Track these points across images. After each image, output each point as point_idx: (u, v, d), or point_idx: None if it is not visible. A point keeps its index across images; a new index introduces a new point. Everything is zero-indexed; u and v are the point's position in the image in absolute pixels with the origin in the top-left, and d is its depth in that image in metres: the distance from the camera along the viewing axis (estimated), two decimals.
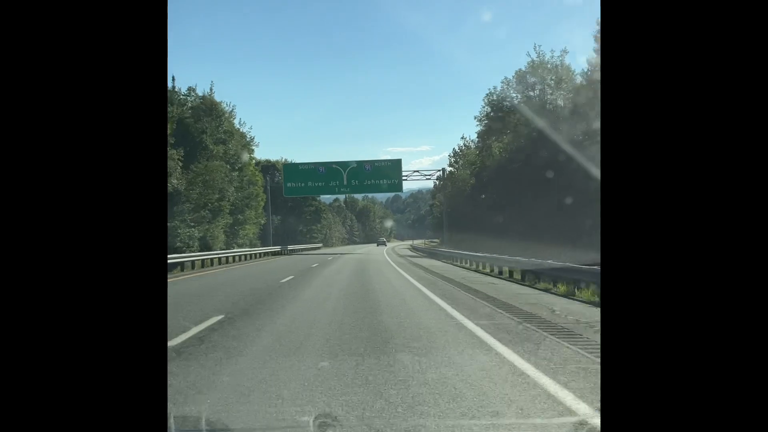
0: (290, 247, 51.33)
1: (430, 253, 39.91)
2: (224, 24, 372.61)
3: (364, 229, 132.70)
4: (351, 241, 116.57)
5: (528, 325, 7.71)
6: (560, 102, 35.64)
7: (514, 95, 39.75)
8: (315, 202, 71.24)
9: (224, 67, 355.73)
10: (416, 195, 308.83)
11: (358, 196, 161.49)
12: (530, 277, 14.56)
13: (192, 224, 29.42)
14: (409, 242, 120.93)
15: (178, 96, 33.57)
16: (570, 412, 3.79)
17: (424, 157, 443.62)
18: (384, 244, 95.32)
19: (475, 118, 44.93)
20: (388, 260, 31.35)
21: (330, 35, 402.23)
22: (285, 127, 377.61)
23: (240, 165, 39.81)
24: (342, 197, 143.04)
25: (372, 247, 69.30)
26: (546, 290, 12.60)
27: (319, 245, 68.53)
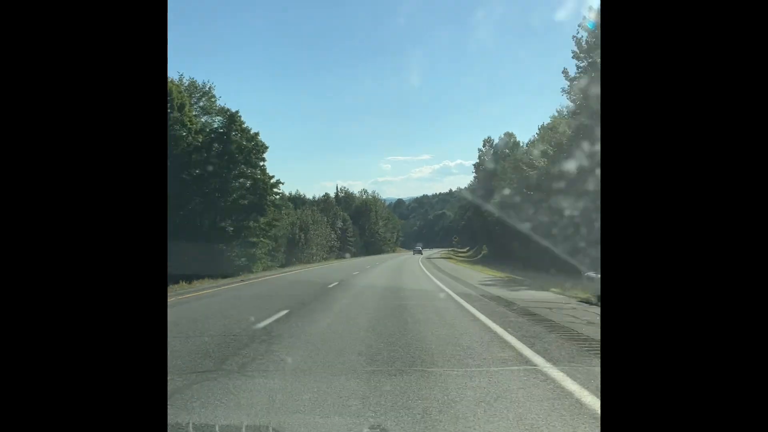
0: None
1: None
2: (209, 22, 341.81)
3: (362, 234, 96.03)
4: (343, 251, 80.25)
5: None
6: None
7: None
8: (250, 170, 33.71)
9: (216, 71, 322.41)
10: (421, 200, 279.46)
11: (355, 189, 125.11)
12: None
13: None
14: (434, 250, 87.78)
15: None
16: None
17: (425, 165, 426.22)
18: (420, 252, 77.22)
19: None
20: None
21: (326, 45, 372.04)
22: (277, 138, 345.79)
23: None
24: (332, 189, 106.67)
25: (377, 274, 26.69)
26: None
27: None
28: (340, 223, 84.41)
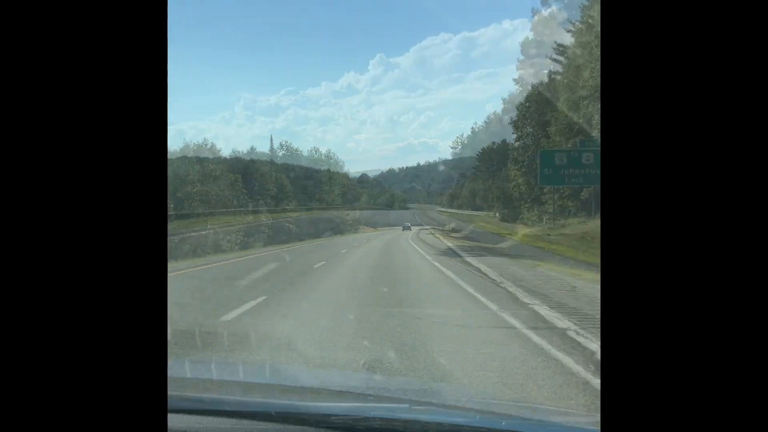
0: None
1: None
2: None
3: (309, 208, 66.16)
4: (278, 232, 50.74)
5: None
6: None
7: None
8: None
9: None
10: (387, 175, 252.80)
11: (303, 146, 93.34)
12: None
13: None
14: (415, 229, 61.54)
15: None
16: None
17: (389, 143, 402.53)
18: (409, 228, 63.97)
19: None
20: None
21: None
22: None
23: None
24: (271, 146, 74.97)
25: None
26: None
27: None
28: (273, 190, 54.64)
